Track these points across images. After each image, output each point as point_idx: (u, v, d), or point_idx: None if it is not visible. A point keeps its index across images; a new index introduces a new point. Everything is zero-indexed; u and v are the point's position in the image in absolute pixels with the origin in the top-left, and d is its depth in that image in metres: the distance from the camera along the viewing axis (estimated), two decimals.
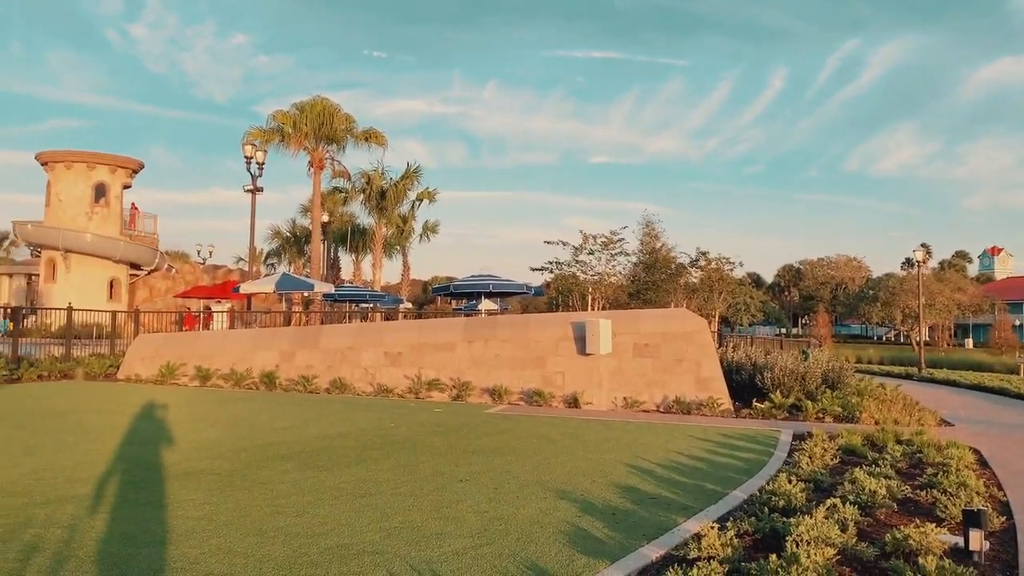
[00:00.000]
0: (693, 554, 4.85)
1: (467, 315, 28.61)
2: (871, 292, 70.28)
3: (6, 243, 63.09)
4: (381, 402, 14.21)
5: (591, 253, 37.13)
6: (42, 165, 43.05)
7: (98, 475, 6.98)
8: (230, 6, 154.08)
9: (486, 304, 26.73)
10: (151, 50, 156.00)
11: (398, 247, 50.71)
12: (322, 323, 27.09)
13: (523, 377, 14.53)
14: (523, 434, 10.27)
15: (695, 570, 4.44)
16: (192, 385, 16.47)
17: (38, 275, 45.02)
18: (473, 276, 26.79)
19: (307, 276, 36.67)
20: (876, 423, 11.78)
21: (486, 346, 15.03)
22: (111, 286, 41.97)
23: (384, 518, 5.69)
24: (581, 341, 14.22)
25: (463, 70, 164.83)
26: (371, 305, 36.08)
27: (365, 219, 49.06)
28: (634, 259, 39.32)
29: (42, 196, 43.39)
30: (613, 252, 37.15)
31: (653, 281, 37.97)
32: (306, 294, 31.85)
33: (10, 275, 53.07)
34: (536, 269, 40.44)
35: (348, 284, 47.49)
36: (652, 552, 5.05)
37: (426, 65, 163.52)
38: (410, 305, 45.06)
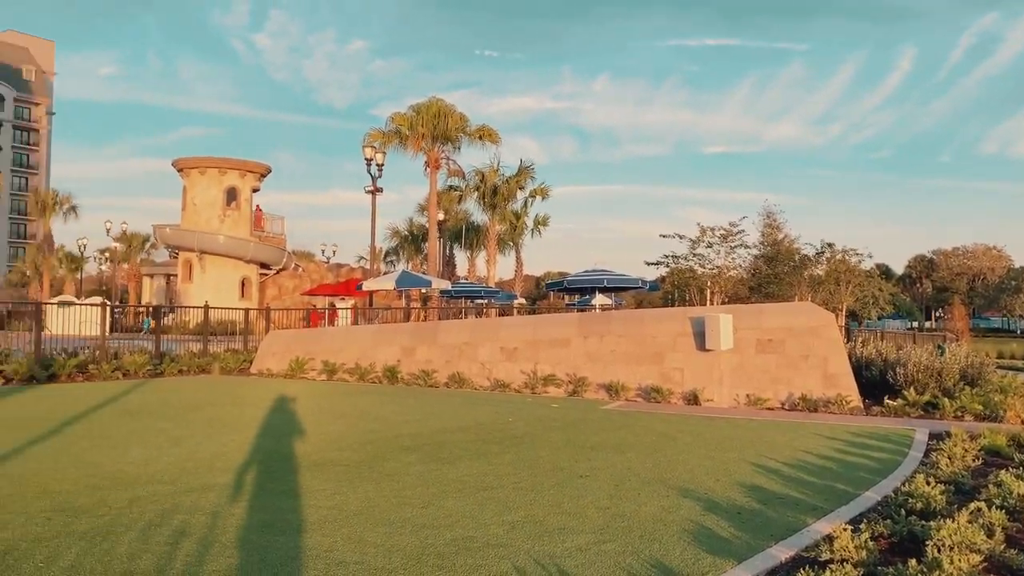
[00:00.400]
0: (825, 556, 4.68)
1: (579, 310, 28.56)
2: (1013, 283, 65.80)
3: (147, 246, 67.25)
4: (498, 397, 14.38)
5: (709, 246, 36.31)
6: (178, 171, 45.73)
7: (236, 465, 7.36)
8: (349, 13, 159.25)
9: (600, 299, 26.61)
10: (275, 59, 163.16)
11: (511, 243, 51.19)
12: (439, 319, 27.65)
13: (640, 373, 14.39)
14: (642, 431, 10.17)
15: (828, 573, 4.28)
16: (320, 379, 17.15)
17: (176, 275, 47.92)
18: (587, 271, 26.72)
19: (424, 273, 37.50)
20: (1023, 422, 11.03)
21: (601, 342, 14.96)
22: (243, 285, 44.19)
23: (506, 511, 5.76)
24: (700, 336, 13.95)
25: (574, 64, 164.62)
26: (485, 301, 36.55)
27: (479, 216, 49.82)
28: (755, 251, 38.20)
29: (179, 200, 46.11)
30: (732, 244, 36.19)
31: (775, 274, 36.76)
32: (424, 291, 32.59)
33: (151, 276, 56.78)
34: (652, 263, 39.86)
35: (463, 280, 48.28)
36: (781, 553, 4.90)
37: (537, 61, 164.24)
38: (523, 301, 45.36)
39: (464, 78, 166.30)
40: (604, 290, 26.83)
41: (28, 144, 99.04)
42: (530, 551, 4.82)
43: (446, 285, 32.70)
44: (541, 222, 50.43)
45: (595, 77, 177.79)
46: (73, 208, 65.95)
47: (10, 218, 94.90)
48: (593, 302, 26.56)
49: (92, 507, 5.64)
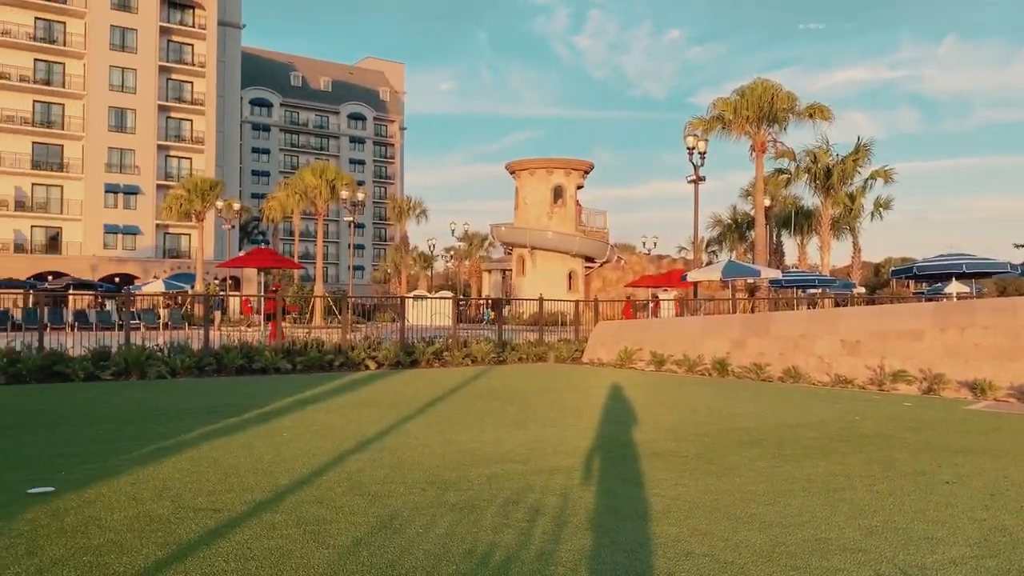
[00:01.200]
0: None
1: (929, 299, 25.79)
2: None
3: (486, 243, 73.00)
4: (839, 393, 13.49)
5: None
6: (510, 173, 49.02)
7: (579, 449, 7.68)
8: (664, 4, 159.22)
9: (956, 286, 23.77)
10: (594, 58, 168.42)
11: (846, 228, 47.72)
12: (769, 310, 26.60)
13: (1011, 370, 12.63)
14: (1017, 435, 8.92)
15: None
16: (648, 369, 17.37)
17: (510, 270, 51.44)
18: (940, 256, 23.95)
19: (750, 262, 36.30)
20: None
21: (962, 334, 13.37)
22: (569, 277, 46.21)
23: (861, 515, 5.36)
24: None
25: (912, 28, 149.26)
26: (819, 290, 34.45)
27: (809, 200, 47.11)
28: None
29: (512, 201, 49.39)
30: None
31: None
32: (751, 280, 31.57)
33: (489, 271, 61.58)
34: (1022, 245, 34.77)
35: (793, 269, 45.99)
36: None
37: (869, 29, 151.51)
38: (862, 290, 42.02)
39: (786, 56, 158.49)
40: (961, 276, 23.87)
41: (385, 157, 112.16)
42: (893, 559, 4.44)
43: (776, 274, 31.35)
44: (883, 204, 46.38)
45: (939, 40, 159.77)
46: (423, 212, 73.64)
47: (373, 223, 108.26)
48: (947, 290, 23.81)
49: (457, 482, 6.21)
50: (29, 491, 5.71)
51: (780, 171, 45.81)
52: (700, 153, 28.44)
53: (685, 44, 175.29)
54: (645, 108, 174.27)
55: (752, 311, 28.16)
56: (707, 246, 58.89)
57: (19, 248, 58.71)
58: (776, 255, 51.05)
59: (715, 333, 17.24)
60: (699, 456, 7.43)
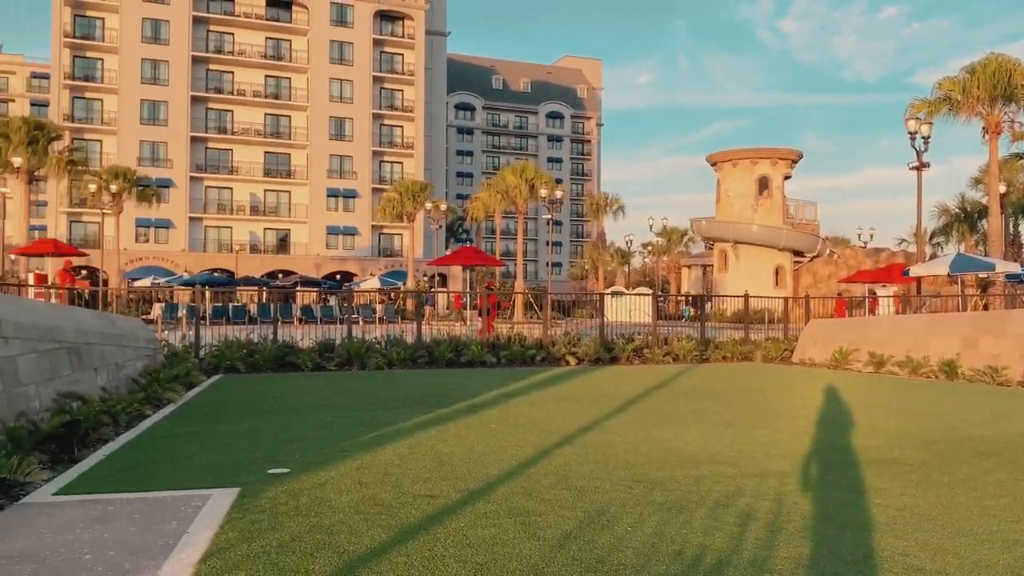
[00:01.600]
0: None
1: None
2: None
3: (685, 239, 71.59)
4: None
5: None
6: (712, 165, 47.76)
7: (792, 453, 7.35)
8: None
9: None
10: (800, 42, 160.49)
11: None
12: (1006, 307, 24.14)
13: None
14: None
15: None
16: (865, 371, 16.31)
17: (711, 265, 50.15)
18: None
19: (981, 255, 33.07)
20: None
21: None
22: (776, 273, 44.32)
23: None
24: None
25: None
26: None
27: None
28: None
29: (712, 194, 48.14)
30: None
31: None
32: (983, 275, 28.77)
33: (689, 266, 60.49)
34: None
35: None
36: None
37: None
38: None
39: (1021, 26, 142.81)
40: None
41: (582, 154, 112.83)
42: None
43: (1014, 268, 28.31)
44: None
45: None
46: (620, 208, 73.46)
47: (570, 220, 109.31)
48: None
49: (663, 481, 6.14)
50: (269, 471, 6.29)
51: (1018, 155, 41.34)
52: (923, 137, 26.31)
53: (903, 21, 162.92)
54: (857, 91, 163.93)
55: (985, 308, 25.66)
56: (931, 238, 54.24)
57: (254, 249, 64.75)
58: (1013, 247, 46.18)
59: (942, 332, 15.88)
60: (926, 465, 6.88)
